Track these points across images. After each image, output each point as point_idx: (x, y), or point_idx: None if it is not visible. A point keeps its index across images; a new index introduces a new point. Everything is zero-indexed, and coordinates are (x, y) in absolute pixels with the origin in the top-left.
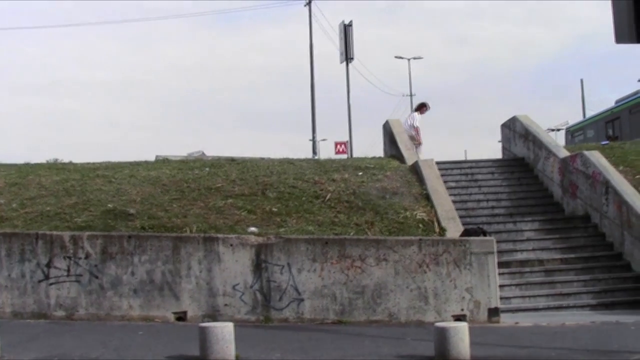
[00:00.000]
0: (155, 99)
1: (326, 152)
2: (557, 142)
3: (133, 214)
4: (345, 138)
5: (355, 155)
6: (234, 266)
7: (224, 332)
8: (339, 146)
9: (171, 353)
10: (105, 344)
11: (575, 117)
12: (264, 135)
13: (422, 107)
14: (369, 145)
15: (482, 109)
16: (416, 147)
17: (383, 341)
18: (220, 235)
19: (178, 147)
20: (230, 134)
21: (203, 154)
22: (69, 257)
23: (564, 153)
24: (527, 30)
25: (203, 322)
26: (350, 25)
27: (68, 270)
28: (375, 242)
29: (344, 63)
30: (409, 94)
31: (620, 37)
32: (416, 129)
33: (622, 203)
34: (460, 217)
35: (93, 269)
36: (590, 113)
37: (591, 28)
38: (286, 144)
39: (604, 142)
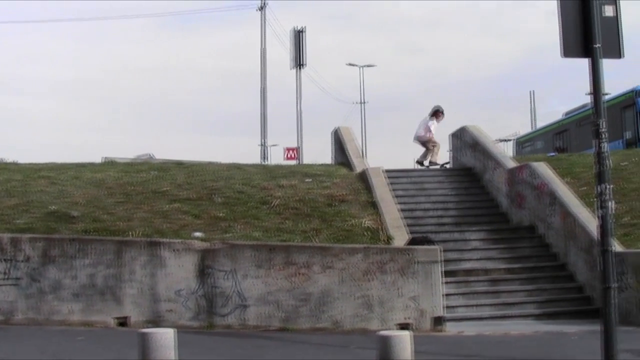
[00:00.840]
0: (108, 100)
1: (277, 157)
2: (506, 152)
3: (76, 216)
4: (296, 144)
5: (305, 161)
6: (178, 271)
7: (165, 338)
8: (288, 152)
9: (111, 359)
10: (43, 349)
11: (525, 128)
12: (215, 139)
13: (437, 114)
14: (320, 152)
15: None
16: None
17: (326, 349)
18: (164, 240)
19: (128, 149)
20: (182, 137)
21: (151, 156)
22: (8, 260)
23: (511, 164)
24: (481, 42)
25: (145, 327)
26: (302, 31)
27: (6, 273)
28: (321, 249)
29: (297, 69)
30: (360, 101)
31: (567, 51)
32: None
33: (567, 214)
34: (408, 225)
35: (33, 272)
36: (539, 124)
37: (542, 41)
38: (237, 148)
39: (551, 154)
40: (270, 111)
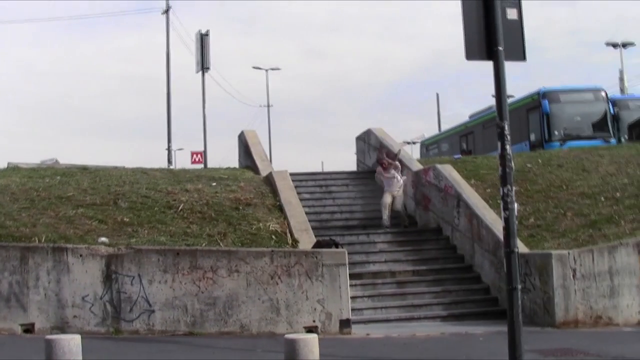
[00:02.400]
0: (6, 104)
1: (185, 161)
2: (411, 155)
3: None
4: (203, 148)
5: (210, 165)
6: (84, 277)
7: (71, 344)
8: (195, 156)
9: None
10: None
11: (431, 131)
12: (120, 143)
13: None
14: (227, 155)
15: (340, 122)
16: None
17: (233, 353)
18: (69, 246)
19: (32, 154)
20: (86, 142)
21: (57, 161)
22: None
23: (417, 166)
24: (384, 45)
25: (51, 334)
26: (207, 34)
27: None
28: (227, 253)
29: (202, 73)
30: (266, 104)
31: (471, 54)
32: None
33: (472, 216)
34: (314, 228)
35: None
36: (445, 127)
37: (447, 44)
38: (144, 153)
39: (456, 156)
40: (176, 115)
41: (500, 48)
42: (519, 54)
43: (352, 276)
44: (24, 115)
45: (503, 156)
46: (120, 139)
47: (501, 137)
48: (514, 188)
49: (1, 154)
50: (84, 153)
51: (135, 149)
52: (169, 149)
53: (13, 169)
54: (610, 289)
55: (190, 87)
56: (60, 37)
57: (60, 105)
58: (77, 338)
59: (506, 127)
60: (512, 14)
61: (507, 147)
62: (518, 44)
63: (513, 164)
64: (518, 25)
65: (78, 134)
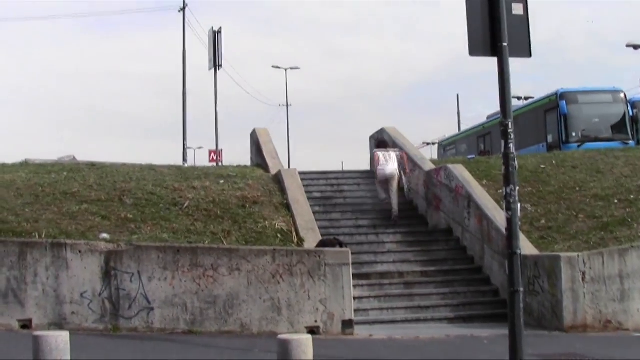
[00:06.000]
0: (28, 103)
1: (203, 160)
2: (424, 155)
3: None
4: (216, 146)
5: (226, 163)
6: (83, 273)
7: (59, 341)
8: (213, 154)
9: None
10: None
11: (452, 132)
12: (140, 142)
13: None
14: (244, 154)
15: (359, 122)
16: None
17: (230, 352)
18: (68, 242)
19: (52, 153)
20: (106, 141)
21: (74, 158)
22: None
23: (429, 166)
24: (404, 46)
25: (49, 330)
26: (219, 32)
27: None
28: (228, 251)
29: (214, 70)
30: (285, 104)
31: (474, 50)
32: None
33: (483, 217)
34: (324, 227)
35: None
36: (465, 128)
37: (465, 44)
38: (162, 151)
39: (470, 157)
40: (199, 114)
41: (505, 44)
42: (524, 50)
43: (360, 276)
44: (43, 114)
45: (506, 155)
46: (140, 138)
47: (505, 135)
48: (517, 188)
49: (22, 154)
50: (103, 152)
51: (154, 148)
52: (184, 147)
53: (20, 165)
54: (621, 292)
55: (212, 86)
56: (81, 36)
57: (81, 105)
58: (65, 335)
59: (510, 125)
60: (517, 9)
61: (511, 145)
62: (523, 40)
63: (517, 163)
64: (524, 21)
65: (97, 133)
